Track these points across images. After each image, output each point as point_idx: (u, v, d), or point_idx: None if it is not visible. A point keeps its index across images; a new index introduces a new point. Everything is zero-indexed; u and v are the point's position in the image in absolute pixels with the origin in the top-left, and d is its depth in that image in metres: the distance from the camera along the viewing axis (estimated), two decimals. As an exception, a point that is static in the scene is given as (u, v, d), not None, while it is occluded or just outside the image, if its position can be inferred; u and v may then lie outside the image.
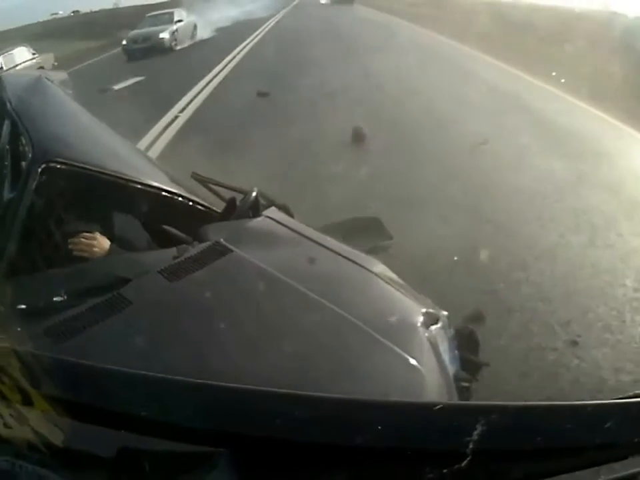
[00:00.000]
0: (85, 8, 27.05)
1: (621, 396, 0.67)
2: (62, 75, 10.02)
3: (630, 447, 0.57)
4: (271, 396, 0.63)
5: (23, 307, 1.29)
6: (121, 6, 27.91)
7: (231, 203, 2.00)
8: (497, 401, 0.93)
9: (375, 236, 3.10)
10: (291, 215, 2.10)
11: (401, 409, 0.64)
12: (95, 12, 26.30)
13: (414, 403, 0.81)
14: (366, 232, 3.05)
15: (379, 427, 0.58)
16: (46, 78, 2.05)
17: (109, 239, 1.67)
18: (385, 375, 1.22)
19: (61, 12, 26.67)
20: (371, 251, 2.09)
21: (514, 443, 0.56)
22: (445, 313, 1.63)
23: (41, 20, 23.64)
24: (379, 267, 1.67)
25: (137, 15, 17.89)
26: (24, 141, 1.58)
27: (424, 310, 1.50)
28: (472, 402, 1.31)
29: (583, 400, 0.73)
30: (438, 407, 0.58)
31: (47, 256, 1.64)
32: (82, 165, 1.62)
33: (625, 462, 0.59)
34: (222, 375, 0.67)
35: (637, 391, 0.79)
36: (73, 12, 27.19)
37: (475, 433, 0.54)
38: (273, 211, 1.88)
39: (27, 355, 0.72)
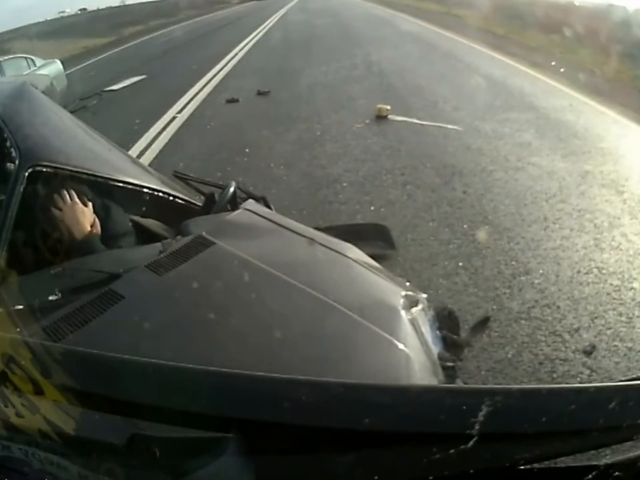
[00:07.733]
0: (92, 5, 27.11)
1: (623, 378, 0.67)
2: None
3: (633, 429, 0.57)
4: (278, 381, 0.64)
5: (20, 307, 1.30)
6: (127, 3, 28.04)
7: (210, 198, 2.04)
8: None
9: (379, 243, 3.11)
10: (269, 207, 2.13)
11: (407, 391, 0.65)
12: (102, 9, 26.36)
13: (419, 385, 0.81)
14: (369, 238, 3.05)
15: (386, 410, 0.59)
16: (30, 84, 2.07)
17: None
18: (372, 358, 1.22)
19: (68, 10, 26.76)
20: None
21: (518, 425, 0.56)
22: (424, 295, 1.65)
23: (49, 19, 23.70)
24: (356, 253, 1.70)
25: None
26: (10, 147, 1.60)
27: (404, 293, 1.52)
28: (477, 385, 1.30)
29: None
30: (443, 389, 0.59)
31: (37, 256, 1.66)
32: (68, 168, 1.64)
33: (629, 444, 0.59)
34: (211, 363, 0.68)
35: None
36: (80, 10, 27.24)
37: (480, 414, 0.54)
38: (250, 204, 1.93)
39: (38, 346, 0.73)
